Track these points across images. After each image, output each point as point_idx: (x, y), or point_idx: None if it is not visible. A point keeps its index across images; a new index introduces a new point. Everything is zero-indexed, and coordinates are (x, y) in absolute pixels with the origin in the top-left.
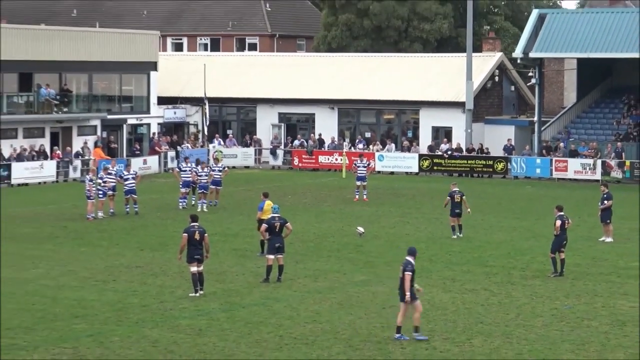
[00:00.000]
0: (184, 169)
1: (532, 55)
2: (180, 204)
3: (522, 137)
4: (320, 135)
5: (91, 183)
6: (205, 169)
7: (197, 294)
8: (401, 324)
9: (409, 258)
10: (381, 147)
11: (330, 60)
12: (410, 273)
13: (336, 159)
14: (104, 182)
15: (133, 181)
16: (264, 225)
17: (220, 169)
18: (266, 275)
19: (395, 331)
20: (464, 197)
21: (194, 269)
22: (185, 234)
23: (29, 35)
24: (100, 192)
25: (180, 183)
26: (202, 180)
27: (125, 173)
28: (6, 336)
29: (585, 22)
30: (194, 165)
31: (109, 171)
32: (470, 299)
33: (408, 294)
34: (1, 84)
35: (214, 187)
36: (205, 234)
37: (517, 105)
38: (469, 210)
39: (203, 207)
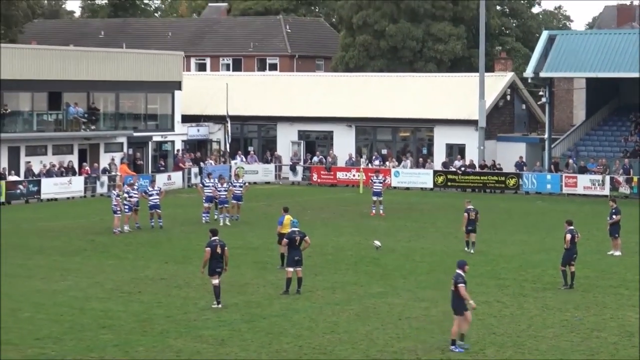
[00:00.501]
0: (206, 184)
1: (542, 75)
2: (204, 218)
3: (533, 154)
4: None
5: (118, 198)
6: (225, 185)
7: (220, 305)
8: (456, 336)
9: (459, 271)
10: (397, 163)
11: (348, 79)
12: (463, 285)
13: (353, 175)
14: (130, 196)
15: (157, 196)
16: (285, 240)
17: (241, 184)
18: (286, 288)
19: (450, 343)
20: (478, 214)
21: (215, 281)
22: (209, 248)
23: (59, 56)
24: (127, 207)
25: (204, 198)
26: (222, 195)
27: (150, 189)
28: (36, 346)
29: (594, 43)
30: (215, 180)
31: (135, 186)
32: (483, 310)
33: (472, 301)
34: (32, 102)
35: (235, 202)
36: (225, 248)
37: (528, 123)
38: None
39: (225, 220)
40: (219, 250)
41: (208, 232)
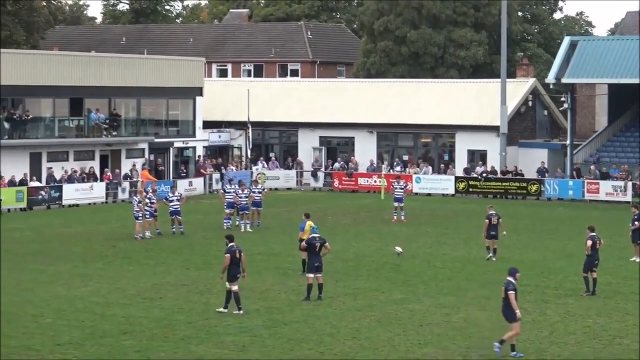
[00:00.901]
0: (228, 190)
1: (564, 80)
2: (225, 224)
3: (554, 160)
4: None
5: (139, 204)
6: (245, 191)
7: (241, 312)
8: (515, 342)
9: (510, 278)
10: (418, 169)
11: (369, 85)
12: (513, 292)
13: (375, 181)
14: (152, 202)
15: (178, 203)
16: (304, 244)
17: (260, 190)
18: (307, 294)
19: (510, 349)
20: (500, 219)
21: (235, 287)
22: (228, 255)
23: (80, 62)
24: (147, 213)
25: (225, 204)
26: (243, 202)
27: (170, 195)
28: (57, 352)
29: (616, 49)
30: (236, 187)
31: (150, 193)
32: None
33: (518, 311)
34: (53, 108)
35: (254, 208)
36: (242, 253)
37: (550, 129)
38: (504, 232)
39: (246, 227)
40: (237, 255)
41: (224, 239)
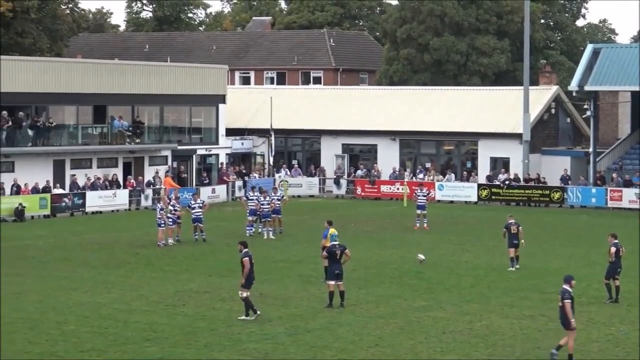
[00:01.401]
0: (250, 197)
1: (587, 88)
2: (248, 231)
3: (577, 168)
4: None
5: (162, 211)
6: (267, 198)
7: (249, 317)
8: (572, 350)
9: (565, 286)
10: (442, 177)
11: (392, 93)
12: (569, 300)
13: (397, 189)
14: (175, 210)
15: (200, 210)
16: (325, 253)
17: (279, 197)
18: (329, 301)
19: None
20: (520, 227)
21: (248, 293)
22: (247, 258)
23: (104, 70)
24: (171, 220)
25: (248, 211)
26: (265, 209)
27: (193, 202)
28: (80, 358)
29: (639, 57)
30: (259, 194)
31: (174, 199)
32: (528, 324)
33: (573, 320)
34: (77, 116)
35: (275, 215)
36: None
37: (573, 136)
38: (522, 241)
39: (269, 234)
40: (253, 261)
41: (239, 245)
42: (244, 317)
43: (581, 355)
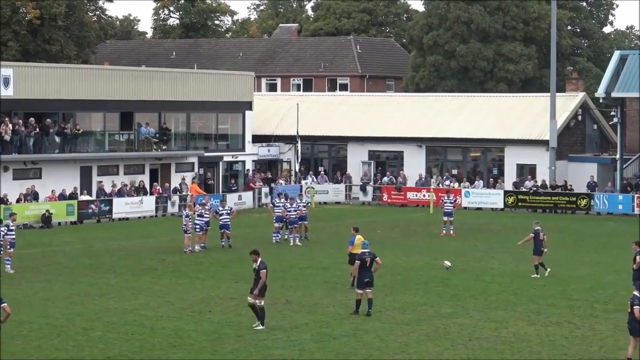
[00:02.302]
0: (277, 204)
1: (614, 95)
2: (274, 238)
3: (604, 174)
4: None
5: (187, 218)
6: (294, 204)
7: (260, 326)
8: (631, 356)
9: (636, 293)
10: (468, 184)
11: (418, 99)
12: (639, 307)
13: (424, 195)
14: (201, 216)
15: (227, 216)
16: (357, 262)
17: (305, 204)
18: (355, 308)
19: None
20: (545, 236)
21: (262, 302)
22: (265, 270)
23: (130, 77)
24: (197, 227)
25: (274, 218)
26: (291, 216)
27: (220, 208)
28: None
29: None
30: (285, 200)
31: (207, 206)
32: (554, 331)
33: None
34: (104, 122)
35: (301, 222)
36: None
37: (600, 143)
38: (545, 250)
39: (295, 240)
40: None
41: (252, 255)
42: (260, 327)
43: None
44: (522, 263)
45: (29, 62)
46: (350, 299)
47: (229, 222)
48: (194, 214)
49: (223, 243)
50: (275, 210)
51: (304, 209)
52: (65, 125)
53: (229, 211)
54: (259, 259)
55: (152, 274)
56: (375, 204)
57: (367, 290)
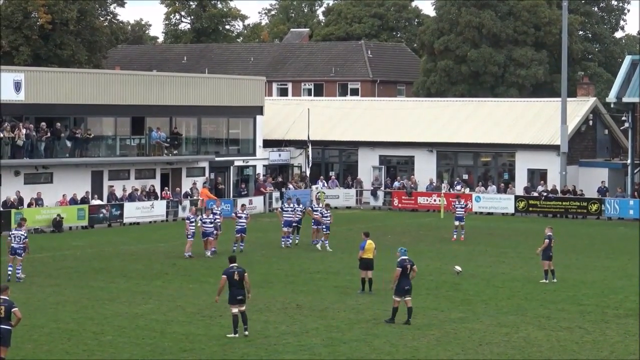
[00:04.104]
0: (285, 209)
1: (625, 100)
2: (283, 242)
3: (615, 179)
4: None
5: (187, 221)
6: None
7: (237, 335)
8: None
9: None
10: (484, 188)
11: (429, 104)
12: None
13: (434, 200)
14: (204, 222)
15: (245, 221)
16: (398, 269)
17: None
18: (392, 316)
19: None
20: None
21: (235, 310)
22: (224, 276)
23: (142, 81)
24: (209, 230)
25: (282, 223)
26: (326, 221)
27: (239, 212)
28: None
29: None
30: (296, 205)
31: (214, 211)
32: (565, 336)
33: None
34: (115, 127)
35: (315, 227)
36: (245, 274)
37: (611, 148)
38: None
39: (325, 245)
40: (236, 277)
41: (227, 260)
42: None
43: None
44: (533, 268)
45: (40, 67)
46: (361, 304)
47: (246, 226)
48: (198, 222)
49: (235, 247)
50: (285, 216)
51: (320, 214)
52: (76, 129)
53: (246, 216)
54: (228, 264)
55: (163, 279)
56: (386, 209)
57: (407, 299)
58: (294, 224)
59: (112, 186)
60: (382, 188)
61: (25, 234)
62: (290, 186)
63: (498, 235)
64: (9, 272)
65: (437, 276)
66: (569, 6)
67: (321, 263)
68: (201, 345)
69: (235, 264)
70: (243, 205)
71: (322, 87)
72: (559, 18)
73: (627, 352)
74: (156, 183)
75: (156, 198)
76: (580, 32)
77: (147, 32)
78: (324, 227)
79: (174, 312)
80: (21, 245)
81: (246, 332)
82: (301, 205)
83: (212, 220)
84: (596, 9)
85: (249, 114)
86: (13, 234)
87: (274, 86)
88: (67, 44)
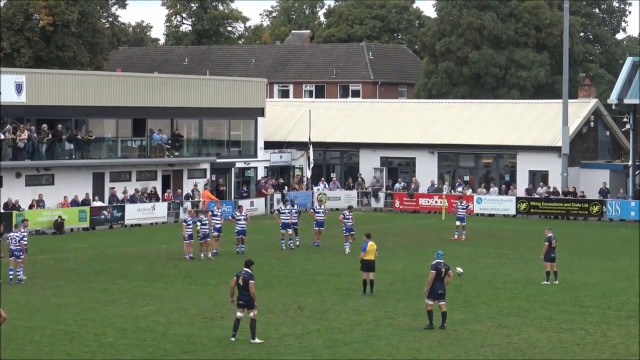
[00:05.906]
0: (282, 211)
1: (626, 101)
2: (282, 244)
3: (617, 181)
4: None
5: (186, 225)
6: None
7: (233, 339)
8: None
9: None
10: (485, 190)
11: (431, 106)
12: None
13: (436, 202)
14: (203, 224)
15: (244, 222)
16: (432, 272)
17: (324, 211)
18: (429, 321)
19: None
20: (556, 242)
21: (238, 314)
22: (235, 277)
23: (143, 83)
24: (199, 235)
25: (280, 225)
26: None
27: (238, 214)
28: None
29: None
30: (290, 207)
31: (215, 213)
32: (566, 338)
33: None
34: (116, 129)
35: (317, 228)
36: (250, 282)
37: (612, 149)
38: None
39: (345, 248)
40: (241, 282)
41: (228, 261)
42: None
43: None
44: (534, 270)
45: (41, 68)
46: (363, 305)
47: (245, 228)
48: (197, 225)
49: (238, 249)
50: (282, 218)
51: (322, 216)
52: (77, 131)
53: (245, 217)
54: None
55: (164, 280)
56: (387, 211)
57: (441, 303)
58: (291, 226)
59: (114, 188)
60: (384, 189)
61: (21, 235)
62: (292, 188)
63: (499, 237)
64: (10, 275)
65: None
66: (570, 8)
67: (322, 265)
68: (202, 347)
69: (246, 269)
70: (240, 206)
71: (323, 88)
72: (560, 19)
73: (628, 353)
74: (157, 185)
75: (157, 200)
76: (582, 34)
77: (148, 33)
78: (344, 229)
79: (176, 314)
80: (17, 247)
81: (251, 340)
82: (296, 207)
83: (209, 222)
84: (597, 10)
85: (250, 116)
86: (10, 236)
87: (275, 88)
88: (69, 46)
